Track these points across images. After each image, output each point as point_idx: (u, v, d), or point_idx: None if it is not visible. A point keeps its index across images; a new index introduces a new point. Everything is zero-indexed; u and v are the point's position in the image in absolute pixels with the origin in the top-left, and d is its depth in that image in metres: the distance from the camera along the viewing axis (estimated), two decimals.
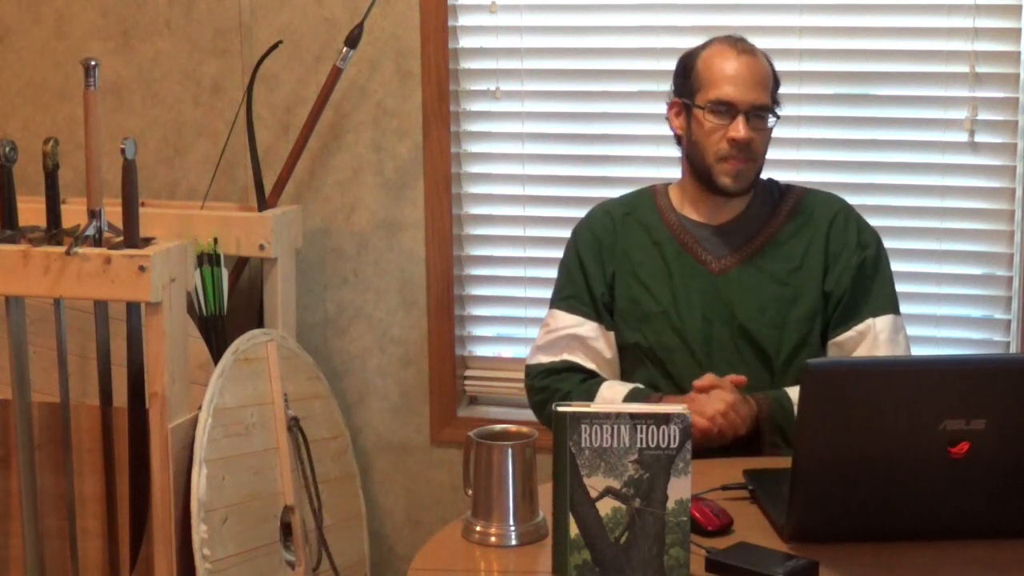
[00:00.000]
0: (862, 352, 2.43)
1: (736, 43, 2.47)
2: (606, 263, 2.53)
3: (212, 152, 3.19)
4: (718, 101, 2.41)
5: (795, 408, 2.22)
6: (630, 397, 2.41)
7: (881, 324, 2.44)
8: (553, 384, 2.51)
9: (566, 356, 2.51)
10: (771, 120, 2.45)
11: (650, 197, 2.59)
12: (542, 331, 2.58)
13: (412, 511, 3.26)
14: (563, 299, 2.56)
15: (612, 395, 2.43)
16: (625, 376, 2.54)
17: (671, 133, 2.55)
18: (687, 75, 2.48)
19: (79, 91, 2.70)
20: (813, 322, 2.46)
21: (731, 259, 2.49)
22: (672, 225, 2.53)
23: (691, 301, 2.47)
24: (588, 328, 2.51)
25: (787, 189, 2.58)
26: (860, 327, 2.44)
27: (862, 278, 2.47)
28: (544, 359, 2.54)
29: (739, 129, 2.39)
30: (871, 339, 2.43)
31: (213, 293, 2.93)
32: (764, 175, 2.59)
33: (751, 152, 2.42)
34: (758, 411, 2.36)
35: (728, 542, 1.92)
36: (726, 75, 2.42)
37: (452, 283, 3.15)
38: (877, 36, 2.88)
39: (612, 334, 2.52)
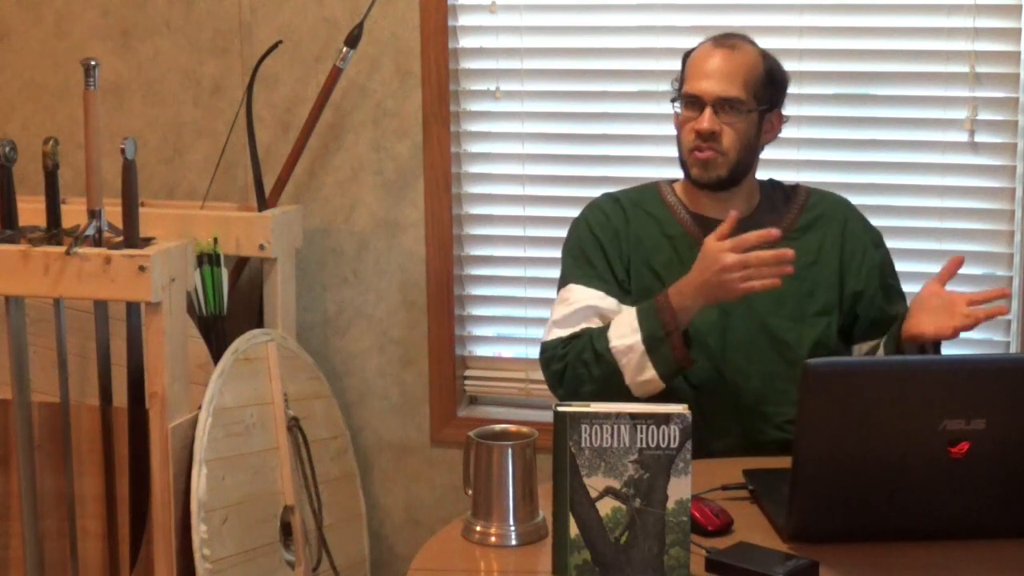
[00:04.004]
0: None
1: (720, 39, 2.50)
2: (622, 247, 2.52)
3: (212, 152, 3.19)
4: (688, 94, 2.46)
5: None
6: (640, 315, 2.34)
7: None
8: (572, 349, 2.41)
9: (584, 326, 2.44)
10: (752, 114, 2.45)
11: (655, 192, 2.59)
12: (559, 307, 2.49)
13: (412, 511, 3.26)
14: (582, 276, 2.50)
15: (620, 324, 2.36)
16: None
17: (672, 133, 2.57)
18: (680, 74, 2.53)
19: (79, 91, 2.70)
20: (831, 316, 2.48)
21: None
22: (685, 221, 2.53)
23: None
24: (609, 302, 2.45)
25: (792, 188, 2.60)
26: None
27: (887, 277, 2.51)
28: (563, 332, 2.45)
29: (702, 121, 2.43)
30: None
31: (213, 293, 2.93)
32: (764, 175, 2.60)
33: (719, 145, 2.44)
34: None
35: (728, 542, 1.92)
36: (699, 69, 2.46)
37: (452, 283, 3.15)
38: (877, 36, 2.88)
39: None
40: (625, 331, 2.35)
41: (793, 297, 2.47)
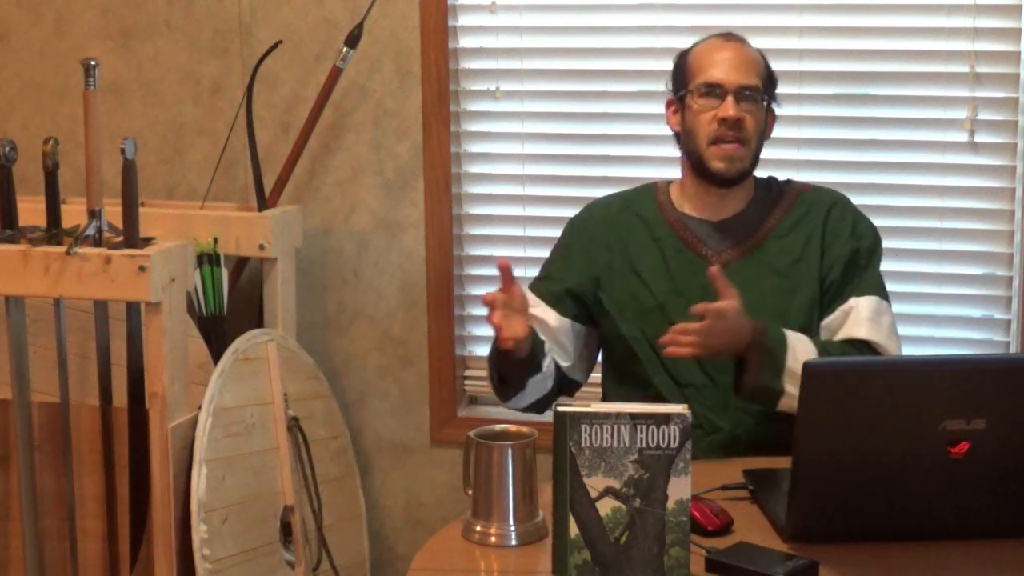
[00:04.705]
0: (844, 332, 2.43)
1: (724, 35, 2.53)
2: (598, 255, 2.54)
3: (212, 152, 3.19)
4: (706, 83, 2.45)
5: (789, 348, 2.31)
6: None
7: (863, 303, 2.44)
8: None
9: None
10: (764, 104, 2.47)
11: (651, 193, 2.60)
12: None
13: (412, 511, 3.26)
14: (536, 279, 2.63)
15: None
16: (617, 370, 2.54)
17: (671, 133, 2.57)
18: (680, 71, 2.53)
19: (79, 91, 2.70)
20: (812, 312, 2.47)
21: (731, 253, 2.49)
22: (672, 222, 2.53)
23: (692, 296, 2.47)
24: (548, 314, 2.54)
25: (787, 185, 2.59)
26: (844, 307, 2.45)
27: (853, 266, 2.48)
28: None
29: (728, 108, 2.42)
30: (853, 317, 2.43)
31: (213, 293, 2.93)
32: (764, 174, 2.60)
33: (742, 133, 2.44)
34: (753, 334, 2.33)
35: (728, 542, 1.92)
36: (714, 60, 2.47)
37: (452, 283, 3.15)
38: (877, 36, 2.88)
39: (568, 322, 2.54)
40: (492, 353, 2.48)
41: (778, 294, 2.47)
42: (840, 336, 2.43)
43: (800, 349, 2.33)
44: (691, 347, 2.28)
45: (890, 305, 2.50)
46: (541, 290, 2.58)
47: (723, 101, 2.43)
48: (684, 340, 2.29)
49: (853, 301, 2.45)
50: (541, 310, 2.54)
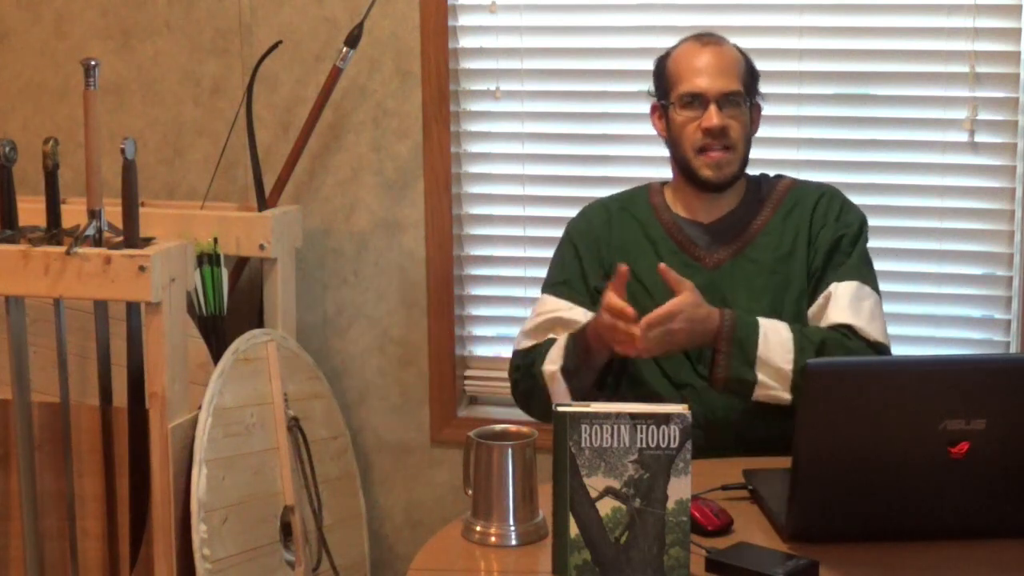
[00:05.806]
0: (825, 319, 2.41)
1: (701, 37, 2.51)
2: (603, 255, 2.54)
3: (212, 152, 3.19)
4: (687, 93, 2.44)
5: (760, 335, 2.29)
6: (567, 343, 2.41)
7: (843, 288, 2.42)
8: (526, 362, 2.50)
9: (550, 336, 2.51)
10: (747, 106, 2.46)
11: (645, 195, 2.60)
12: (531, 316, 2.57)
13: (412, 511, 3.26)
14: (553, 285, 2.57)
15: (555, 348, 2.45)
16: (616, 371, 2.54)
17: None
18: (660, 78, 2.52)
19: (79, 91, 2.70)
20: (803, 304, 2.46)
21: (723, 253, 2.49)
22: (666, 223, 2.53)
23: None
24: (577, 313, 2.49)
25: (777, 181, 2.58)
26: (824, 293, 2.43)
27: (835, 253, 2.46)
28: (528, 343, 2.53)
29: (711, 117, 2.41)
30: (833, 303, 2.41)
31: (213, 293, 2.93)
32: (761, 172, 2.60)
33: (728, 140, 2.43)
34: (720, 324, 2.32)
35: (728, 542, 1.92)
36: (693, 67, 2.45)
37: (452, 283, 3.15)
38: (877, 36, 2.88)
39: None
40: (555, 356, 2.43)
41: (769, 291, 2.46)
42: (822, 324, 2.41)
43: (773, 337, 2.32)
44: (642, 349, 2.27)
45: (874, 290, 2.46)
46: (568, 294, 2.53)
47: (706, 110, 2.42)
48: (631, 342, 2.27)
49: (833, 287, 2.42)
50: (573, 312, 2.49)
